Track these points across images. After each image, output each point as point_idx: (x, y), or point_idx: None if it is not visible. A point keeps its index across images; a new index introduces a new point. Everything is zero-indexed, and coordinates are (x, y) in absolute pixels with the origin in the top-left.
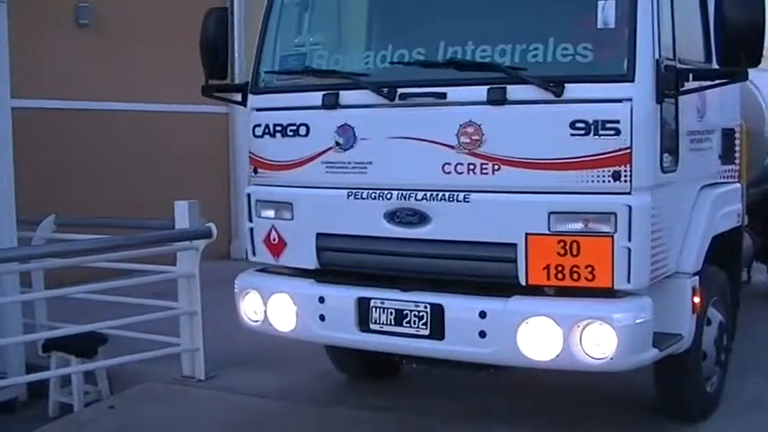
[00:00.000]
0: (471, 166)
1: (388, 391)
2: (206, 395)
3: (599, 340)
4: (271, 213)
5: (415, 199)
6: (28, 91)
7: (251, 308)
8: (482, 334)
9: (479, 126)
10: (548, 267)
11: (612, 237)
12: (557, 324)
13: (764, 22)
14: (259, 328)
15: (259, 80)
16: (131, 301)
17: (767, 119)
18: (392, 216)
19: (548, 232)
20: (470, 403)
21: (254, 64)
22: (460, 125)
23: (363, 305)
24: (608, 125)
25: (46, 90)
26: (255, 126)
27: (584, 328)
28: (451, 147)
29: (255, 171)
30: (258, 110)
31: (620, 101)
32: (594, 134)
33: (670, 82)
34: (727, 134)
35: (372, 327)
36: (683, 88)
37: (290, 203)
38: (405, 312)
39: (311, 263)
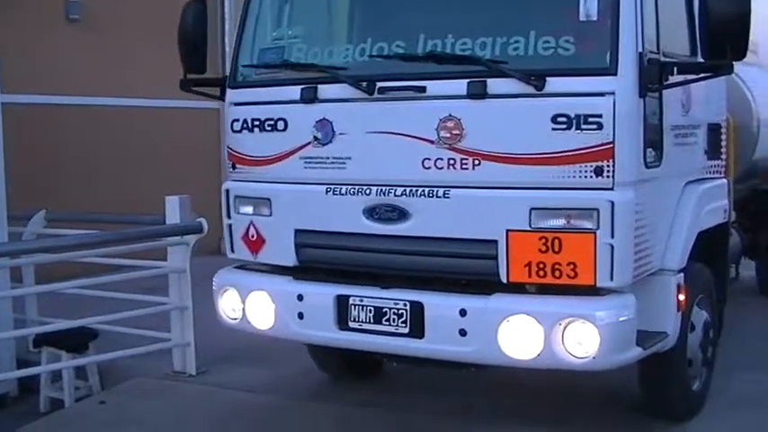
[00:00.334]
0: (451, 161)
1: (374, 388)
2: (197, 390)
3: (581, 339)
4: (249, 209)
5: (395, 195)
6: (18, 86)
7: (229, 305)
8: (462, 332)
9: (459, 120)
10: (529, 264)
11: (595, 233)
12: (538, 322)
13: (750, 15)
14: (237, 326)
15: (237, 74)
16: (122, 297)
17: (754, 113)
18: (371, 212)
19: (529, 229)
20: (452, 401)
21: (233, 58)
22: (440, 119)
23: (342, 303)
24: (590, 119)
25: (37, 85)
26: (233, 121)
27: (566, 327)
28: (431, 141)
29: (234, 167)
30: (236, 104)
31: (602, 95)
32: (576, 128)
33: (653, 75)
34: (714, 129)
35: (351, 325)
36: (667, 82)
37: (269, 199)
38: (384, 310)
39: (290, 260)
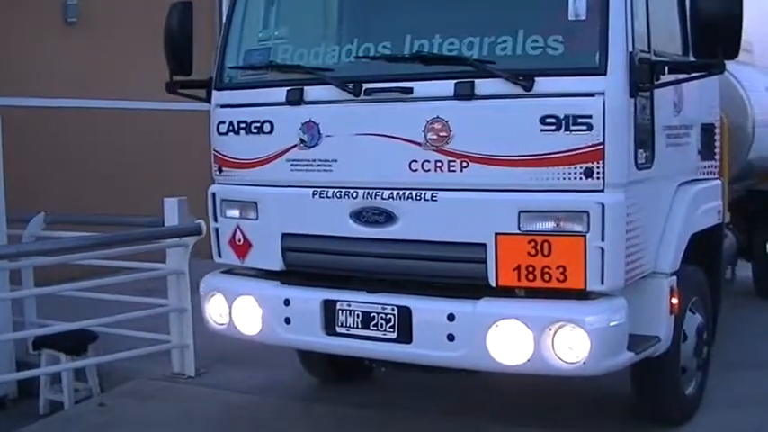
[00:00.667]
0: (439, 164)
1: (371, 389)
2: (196, 392)
3: (571, 343)
4: (235, 213)
5: (382, 198)
6: (15, 90)
7: (216, 311)
8: (450, 337)
9: (447, 122)
10: (518, 268)
11: (585, 236)
12: (527, 327)
13: (742, 13)
14: (225, 332)
15: (223, 76)
16: (121, 299)
17: (749, 113)
18: (358, 215)
19: (518, 232)
20: (446, 403)
21: (218, 59)
22: (427, 121)
23: (329, 308)
24: (579, 120)
25: (34, 88)
26: (219, 123)
27: (555, 332)
28: (418, 143)
29: (220, 170)
30: (222, 106)
31: (591, 95)
32: (566, 129)
33: (644, 75)
34: (707, 129)
35: (339, 330)
36: (659, 81)
37: (255, 203)
38: (372, 315)
39: (276, 264)
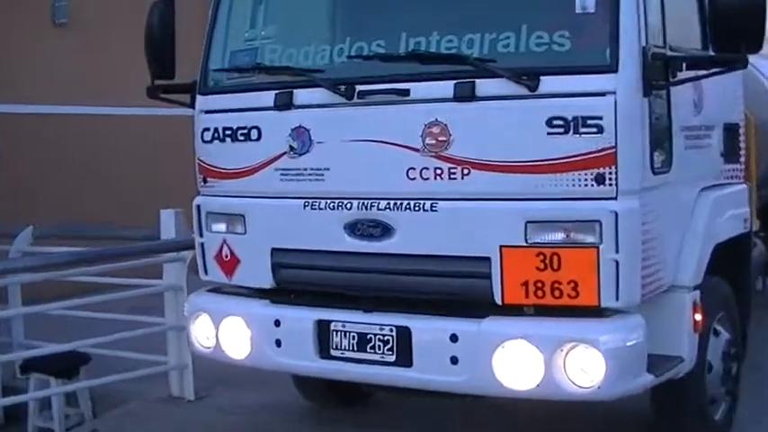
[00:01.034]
0: (438, 171)
1: (371, 410)
2: (196, 415)
3: (585, 365)
4: (222, 227)
5: (378, 208)
6: (2, 95)
7: (202, 333)
8: (454, 360)
9: (446, 125)
10: (526, 284)
11: (597, 248)
12: (537, 348)
13: (765, 3)
14: (212, 356)
15: (207, 79)
16: (115, 317)
17: None
18: (353, 228)
19: (525, 244)
20: (451, 422)
21: (202, 62)
22: (425, 125)
23: (323, 328)
24: (589, 122)
25: (22, 94)
26: (204, 130)
27: (567, 352)
28: (416, 149)
29: (205, 180)
30: (206, 112)
31: (602, 94)
32: (574, 132)
33: (659, 72)
34: (730, 129)
35: (333, 353)
36: (675, 79)
37: (243, 215)
38: (368, 336)
39: (266, 281)
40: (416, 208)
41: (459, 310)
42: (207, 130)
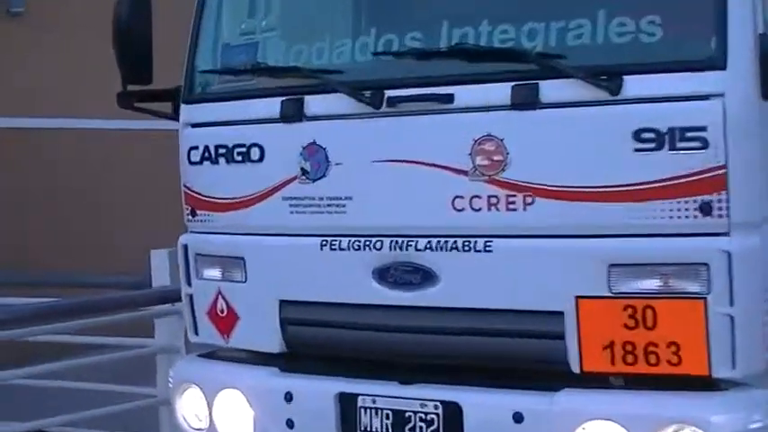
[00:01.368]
0: (493, 200)
1: None
2: None
3: None
4: (216, 273)
5: (416, 249)
6: None
7: (191, 410)
8: None
9: (501, 141)
10: (611, 346)
11: (705, 299)
12: (627, 431)
13: None
14: None
15: (194, 84)
16: (95, 388)
17: None
18: (383, 274)
19: (609, 294)
20: None
21: (187, 61)
22: (475, 140)
23: (348, 404)
24: (689, 134)
25: None
26: (191, 149)
27: None
28: (464, 172)
29: (193, 213)
30: (194, 125)
31: (706, 97)
32: (670, 148)
33: None
34: None
35: None
36: None
37: (242, 258)
38: (407, 414)
39: (273, 344)
40: (465, 248)
41: (525, 381)
42: (194, 148)
